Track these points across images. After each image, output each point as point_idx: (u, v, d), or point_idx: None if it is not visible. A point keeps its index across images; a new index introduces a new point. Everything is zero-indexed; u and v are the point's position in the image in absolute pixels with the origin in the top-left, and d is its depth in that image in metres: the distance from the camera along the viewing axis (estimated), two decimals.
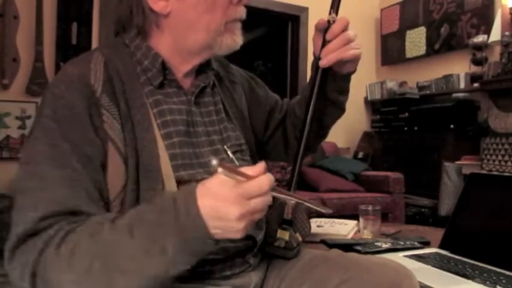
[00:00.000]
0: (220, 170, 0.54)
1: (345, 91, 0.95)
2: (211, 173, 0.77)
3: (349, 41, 0.83)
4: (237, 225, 0.57)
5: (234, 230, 0.57)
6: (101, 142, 0.69)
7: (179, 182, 0.73)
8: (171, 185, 0.72)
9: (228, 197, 0.56)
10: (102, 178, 0.68)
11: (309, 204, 0.68)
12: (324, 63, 0.84)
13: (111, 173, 0.69)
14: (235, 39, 0.80)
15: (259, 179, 0.57)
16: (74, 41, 3.06)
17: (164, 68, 0.78)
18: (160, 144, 0.73)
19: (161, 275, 0.59)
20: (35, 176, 0.65)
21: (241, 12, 0.81)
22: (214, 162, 0.54)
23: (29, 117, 2.92)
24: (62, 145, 0.66)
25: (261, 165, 0.58)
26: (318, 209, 0.67)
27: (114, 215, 0.63)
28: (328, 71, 0.88)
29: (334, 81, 0.90)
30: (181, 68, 0.81)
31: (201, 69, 0.84)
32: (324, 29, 0.85)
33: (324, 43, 0.84)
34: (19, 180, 0.66)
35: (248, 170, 0.58)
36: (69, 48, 3.03)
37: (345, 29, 0.83)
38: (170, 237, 0.57)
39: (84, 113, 0.69)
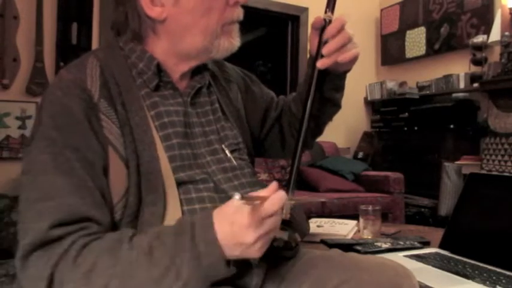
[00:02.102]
0: (241, 201, 0.58)
1: (340, 88, 0.94)
2: (209, 173, 0.77)
3: (346, 42, 0.81)
4: (254, 247, 0.60)
5: (252, 251, 0.60)
6: (101, 147, 0.69)
7: (179, 184, 0.73)
8: (171, 186, 0.72)
9: (244, 222, 0.58)
10: (105, 183, 0.68)
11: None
12: (319, 65, 0.82)
13: (113, 177, 0.69)
14: (233, 42, 0.80)
15: (272, 198, 0.59)
16: (74, 41, 3.06)
17: (159, 70, 0.78)
18: (159, 146, 0.73)
19: None
20: (39, 186, 0.65)
21: (238, 14, 0.80)
22: (237, 197, 0.57)
23: (29, 117, 2.92)
24: (64, 153, 0.66)
25: (274, 185, 0.61)
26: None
27: (131, 233, 0.64)
28: (325, 71, 0.87)
29: (330, 79, 0.90)
30: (177, 69, 0.81)
31: (197, 69, 0.84)
32: (320, 27, 0.84)
33: (321, 42, 0.83)
34: (23, 191, 0.66)
35: (262, 192, 0.61)
36: (69, 48, 3.03)
37: (341, 28, 0.81)
38: (186, 262, 0.59)
39: (83, 118, 0.68)
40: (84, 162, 0.66)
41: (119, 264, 0.60)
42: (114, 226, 0.69)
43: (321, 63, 0.82)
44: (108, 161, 0.69)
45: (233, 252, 0.60)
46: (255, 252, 0.60)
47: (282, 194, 0.60)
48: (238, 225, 0.58)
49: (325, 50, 0.81)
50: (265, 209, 0.58)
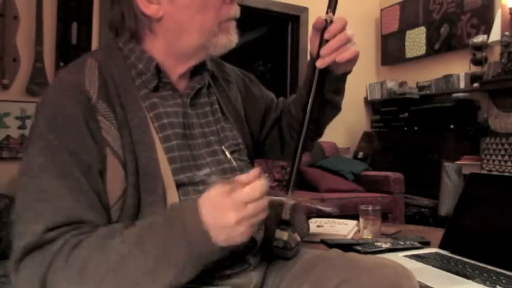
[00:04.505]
0: (218, 181, 0.60)
1: (340, 91, 0.94)
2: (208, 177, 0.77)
3: (346, 41, 0.81)
4: (238, 229, 0.60)
5: (236, 234, 0.61)
6: (98, 149, 0.68)
7: (178, 185, 0.73)
8: (171, 188, 0.72)
9: (225, 204, 0.60)
10: (101, 185, 0.68)
11: (309, 204, 0.69)
12: (319, 64, 0.83)
13: (111, 178, 0.69)
14: (230, 39, 0.79)
15: (253, 185, 0.61)
16: (74, 41, 3.06)
17: (159, 71, 0.78)
18: (159, 147, 0.73)
19: (173, 284, 0.61)
20: (35, 188, 0.65)
21: (235, 11, 0.80)
22: (206, 171, 0.59)
23: (29, 117, 2.92)
24: (60, 155, 0.66)
25: (255, 172, 0.62)
26: (319, 207, 0.69)
27: (121, 226, 0.65)
28: (325, 72, 0.88)
29: (330, 81, 0.90)
30: (176, 70, 0.80)
31: (196, 70, 0.84)
32: (321, 28, 0.84)
33: (322, 43, 0.83)
34: (19, 192, 0.66)
35: (242, 177, 0.62)
36: (69, 48, 3.03)
37: (342, 28, 0.82)
38: (180, 249, 0.60)
39: (81, 120, 0.68)
40: (79, 164, 0.66)
41: (111, 259, 0.60)
42: None
43: (320, 63, 0.83)
44: (105, 163, 0.69)
45: (219, 234, 0.61)
46: (240, 235, 0.61)
47: (262, 181, 0.62)
48: (220, 206, 0.60)
49: (323, 50, 0.82)
50: (246, 193, 0.60)
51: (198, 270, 0.63)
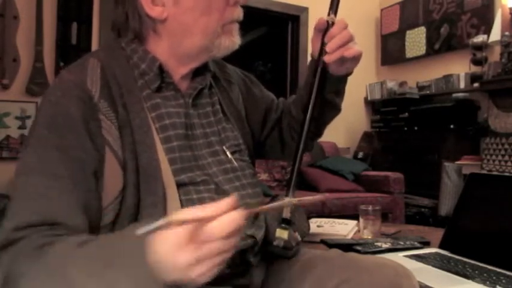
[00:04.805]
0: (180, 219, 0.49)
1: (341, 92, 0.95)
2: (210, 175, 0.77)
3: (350, 39, 0.82)
4: (193, 271, 0.51)
5: (191, 276, 0.51)
6: (95, 148, 0.68)
7: (179, 186, 0.73)
8: (171, 189, 0.72)
9: (176, 242, 0.50)
10: (93, 186, 0.67)
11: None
12: (327, 59, 0.83)
13: (108, 178, 0.68)
14: (233, 40, 0.80)
15: (220, 220, 0.50)
16: (74, 41, 3.06)
17: (162, 71, 0.78)
18: (160, 148, 0.73)
19: None
20: (22, 187, 0.65)
21: (238, 13, 0.80)
22: (162, 222, 0.48)
23: (29, 117, 2.92)
24: (49, 153, 0.66)
25: (225, 203, 0.51)
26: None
27: (82, 240, 0.59)
28: (326, 73, 0.88)
29: (331, 82, 0.90)
30: (179, 70, 0.81)
31: (198, 71, 0.84)
32: (323, 29, 0.85)
33: (323, 44, 0.84)
34: (12, 189, 0.66)
35: (211, 208, 0.51)
36: (69, 48, 3.03)
37: (343, 31, 0.82)
38: (123, 283, 0.53)
39: (79, 119, 0.68)
40: (70, 164, 0.66)
41: (61, 278, 0.56)
42: (109, 227, 0.69)
43: (328, 58, 0.83)
44: (103, 163, 0.68)
45: (170, 274, 0.51)
46: (196, 277, 0.51)
47: (235, 215, 0.51)
48: (170, 244, 0.50)
49: (328, 47, 0.82)
50: (207, 231, 0.49)
51: None
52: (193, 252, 0.50)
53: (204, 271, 0.51)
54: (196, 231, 0.50)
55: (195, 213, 0.50)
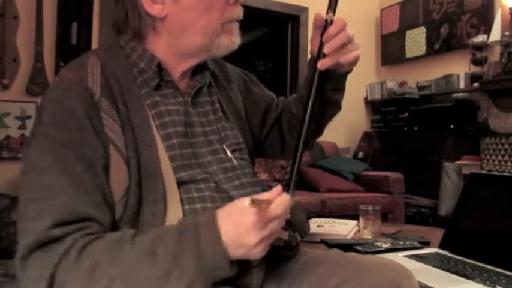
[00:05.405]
0: (249, 205, 0.58)
1: (341, 89, 0.94)
2: (210, 173, 0.77)
3: (347, 41, 0.81)
4: (257, 249, 0.60)
5: (255, 253, 0.61)
6: (102, 145, 0.68)
7: (179, 184, 0.73)
8: (171, 186, 0.72)
9: (249, 224, 0.59)
10: (105, 181, 0.68)
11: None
12: (319, 66, 0.82)
13: (114, 175, 0.69)
14: (233, 40, 0.80)
15: (277, 201, 0.60)
16: (74, 41, 3.06)
17: (160, 69, 0.78)
18: (160, 145, 0.73)
19: None
20: (38, 186, 0.64)
21: (239, 12, 0.80)
22: (246, 203, 0.58)
23: (29, 117, 2.92)
24: (63, 151, 0.66)
25: (278, 188, 0.63)
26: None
27: (132, 232, 0.64)
28: (326, 71, 0.87)
29: (330, 80, 0.90)
30: (178, 68, 0.81)
31: (197, 69, 0.84)
32: (321, 26, 0.84)
33: (322, 43, 0.83)
34: (23, 190, 0.66)
35: (267, 194, 0.61)
36: (69, 48, 3.03)
37: (341, 30, 0.81)
38: (190, 262, 0.59)
39: (84, 116, 0.68)
40: (83, 161, 0.66)
41: (121, 264, 0.60)
42: (114, 225, 0.69)
43: (320, 64, 0.82)
44: (109, 159, 0.69)
45: (236, 252, 0.60)
46: (257, 254, 0.61)
47: (285, 197, 0.62)
48: (244, 226, 0.59)
49: (326, 49, 0.82)
50: (270, 212, 0.59)
51: (206, 285, 0.62)
52: (261, 232, 0.59)
53: (265, 247, 0.61)
54: (260, 213, 0.59)
55: (262, 197, 0.60)
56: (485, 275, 0.99)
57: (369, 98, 4.39)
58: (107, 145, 0.69)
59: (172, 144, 0.75)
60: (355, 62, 0.85)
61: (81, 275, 0.59)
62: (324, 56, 0.83)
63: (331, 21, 0.83)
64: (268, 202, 0.60)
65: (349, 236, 1.44)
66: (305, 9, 4.08)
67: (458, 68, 3.64)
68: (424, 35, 3.97)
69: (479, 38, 3.37)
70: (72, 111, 0.68)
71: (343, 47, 0.81)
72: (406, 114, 3.83)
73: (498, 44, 3.19)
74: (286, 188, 0.81)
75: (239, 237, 0.60)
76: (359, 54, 0.83)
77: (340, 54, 0.81)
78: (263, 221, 0.59)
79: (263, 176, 3.30)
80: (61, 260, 0.60)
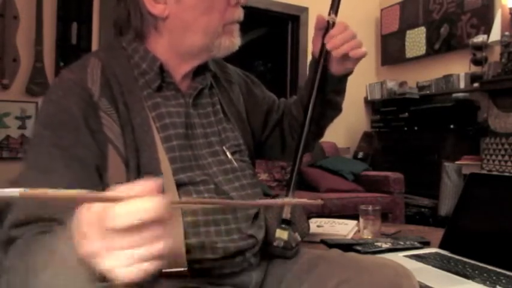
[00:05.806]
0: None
1: (341, 91, 0.95)
2: (210, 175, 0.77)
3: (352, 37, 0.82)
4: (105, 261, 0.40)
5: (107, 267, 0.40)
6: (97, 146, 0.68)
7: (179, 185, 0.73)
8: (171, 188, 0.72)
9: (89, 226, 0.41)
10: (96, 183, 0.67)
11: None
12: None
13: (112, 175, 0.69)
14: (233, 41, 0.80)
15: (121, 207, 0.38)
16: (74, 41, 3.06)
17: (162, 70, 0.78)
18: (160, 147, 0.73)
19: None
20: (21, 184, 0.64)
21: (239, 14, 0.81)
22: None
23: (29, 117, 2.92)
24: (49, 151, 0.66)
25: (143, 184, 0.40)
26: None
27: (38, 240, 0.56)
28: (326, 72, 0.88)
29: (331, 82, 0.90)
30: (179, 70, 0.81)
31: (199, 70, 0.84)
32: (322, 28, 0.84)
33: (323, 45, 0.84)
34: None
35: (122, 188, 0.40)
36: (69, 48, 3.03)
37: (345, 30, 0.82)
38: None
39: (79, 116, 0.68)
40: (71, 161, 0.66)
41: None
42: None
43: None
44: (106, 159, 0.69)
45: (93, 262, 0.41)
46: (111, 269, 0.40)
47: (150, 203, 0.38)
48: (85, 232, 0.41)
49: (330, 45, 0.82)
50: (113, 216, 0.38)
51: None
52: (104, 240, 0.39)
53: (126, 264, 0.39)
54: (103, 214, 0.39)
55: (102, 193, 0.39)
56: (485, 275, 0.99)
57: (369, 98, 4.39)
58: (105, 145, 0.69)
59: (172, 146, 0.75)
60: (357, 60, 0.86)
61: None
62: (326, 56, 0.84)
63: (333, 23, 0.83)
64: (114, 200, 0.38)
65: (349, 236, 1.44)
66: (305, 10, 4.08)
67: (458, 68, 3.64)
68: (424, 35, 3.97)
69: (479, 38, 3.37)
70: (68, 111, 0.68)
71: (348, 41, 0.82)
72: (406, 114, 3.83)
73: (498, 44, 3.19)
74: (286, 188, 0.81)
75: (83, 247, 0.41)
76: (366, 52, 0.84)
77: (350, 48, 0.82)
78: (101, 224, 0.39)
79: (263, 176, 3.30)
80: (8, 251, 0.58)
